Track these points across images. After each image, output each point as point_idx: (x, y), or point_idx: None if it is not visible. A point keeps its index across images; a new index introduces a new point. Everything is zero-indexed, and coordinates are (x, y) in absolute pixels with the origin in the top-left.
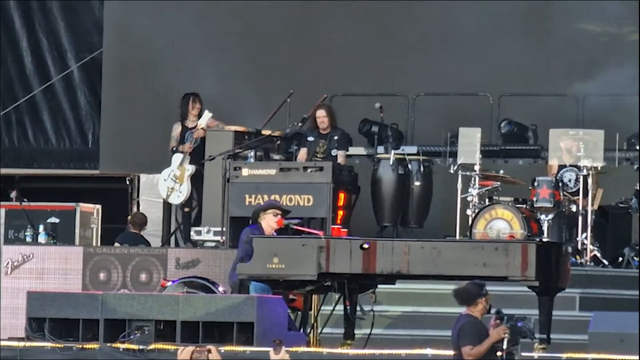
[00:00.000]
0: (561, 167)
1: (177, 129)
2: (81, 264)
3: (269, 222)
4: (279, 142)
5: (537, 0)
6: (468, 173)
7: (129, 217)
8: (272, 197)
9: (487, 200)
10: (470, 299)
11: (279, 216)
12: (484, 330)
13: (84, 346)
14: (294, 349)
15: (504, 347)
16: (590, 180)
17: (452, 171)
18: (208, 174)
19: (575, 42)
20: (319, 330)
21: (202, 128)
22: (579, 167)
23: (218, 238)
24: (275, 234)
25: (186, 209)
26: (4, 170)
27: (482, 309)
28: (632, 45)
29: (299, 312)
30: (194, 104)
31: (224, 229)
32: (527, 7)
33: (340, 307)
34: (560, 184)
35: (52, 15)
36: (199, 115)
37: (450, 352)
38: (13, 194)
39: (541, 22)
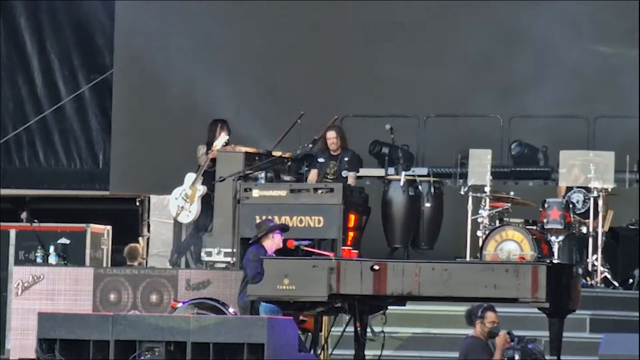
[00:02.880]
0: (569, 188)
1: (201, 149)
2: (92, 285)
3: (270, 245)
4: (289, 163)
5: (548, 21)
6: (478, 194)
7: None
8: (283, 219)
9: (497, 221)
10: (469, 319)
11: (279, 235)
12: (490, 351)
13: None
14: None
15: None
16: (600, 202)
17: (462, 193)
18: (219, 195)
19: (587, 63)
20: (330, 352)
21: (217, 150)
22: (587, 189)
23: (229, 259)
24: (274, 253)
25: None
26: (15, 191)
27: (480, 331)
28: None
29: (310, 334)
30: (221, 130)
31: (235, 250)
32: (537, 29)
33: (350, 329)
34: (570, 206)
35: (63, 36)
36: None
37: None
38: (23, 215)
39: (552, 44)
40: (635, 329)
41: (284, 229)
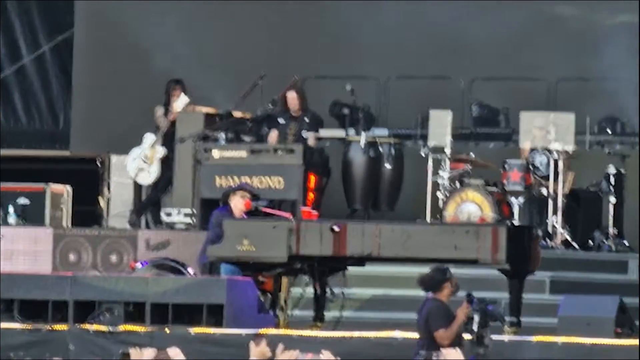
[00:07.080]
0: (532, 150)
1: (159, 110)
2: (51, 245)
3: (237, 203)
4: (250, 124)
5: None
6: (439, 156)
7: None
8: (243, 179)
9: (457, 183)
10: (435, 285)
11: (247, 198)
12: (452, 313)
13: (53, 327)
14: (264, 331)
15: (475, 329)
16: (561, 164)
17: (423, 154)
18: (179, 156)
19: (549, 25)
20: (289, 313)
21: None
22: (550, 151)
23: (188, 220)
24: (245, 216)
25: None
26: None
27: (448, 293)
28: (606, 29)
29: (269, 295)
30: (174, 90)
31: (194, 211)
32: None
33: (310, 290)
34: (531, 167)
35: None
36: None
37: None
38: None
39: (514, 5)
40: (595, 290)
41: (253, 193)
